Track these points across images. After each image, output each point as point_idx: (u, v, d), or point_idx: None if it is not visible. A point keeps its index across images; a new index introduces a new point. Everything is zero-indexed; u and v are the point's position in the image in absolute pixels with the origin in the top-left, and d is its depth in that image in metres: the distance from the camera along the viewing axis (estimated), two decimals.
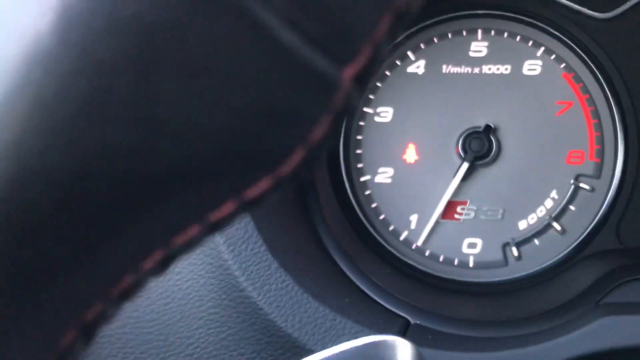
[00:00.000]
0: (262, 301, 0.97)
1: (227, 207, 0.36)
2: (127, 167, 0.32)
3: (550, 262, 1.21)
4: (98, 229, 0.33)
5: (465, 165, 1.21)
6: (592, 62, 1.21)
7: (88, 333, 0.37)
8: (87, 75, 0.31)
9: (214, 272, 0.99)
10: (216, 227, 0.37)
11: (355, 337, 0.76)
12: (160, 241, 0.35)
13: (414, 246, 1.24)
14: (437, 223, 1.24)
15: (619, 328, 0.93)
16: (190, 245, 0.37)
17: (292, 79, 0.33)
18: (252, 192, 0.36)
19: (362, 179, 1.26)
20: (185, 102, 0.31)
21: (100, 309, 0.36)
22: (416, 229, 1.24)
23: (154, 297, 1.01)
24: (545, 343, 0.94)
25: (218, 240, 0.99)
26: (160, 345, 1.00)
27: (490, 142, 1.21)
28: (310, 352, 0.93)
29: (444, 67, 1.24)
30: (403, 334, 1.00)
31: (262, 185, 0.36)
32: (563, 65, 1.22)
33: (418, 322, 1.05)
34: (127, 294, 0.37)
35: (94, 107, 0.31)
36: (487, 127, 1.21)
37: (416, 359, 0.59)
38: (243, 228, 0.99)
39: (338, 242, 1.15)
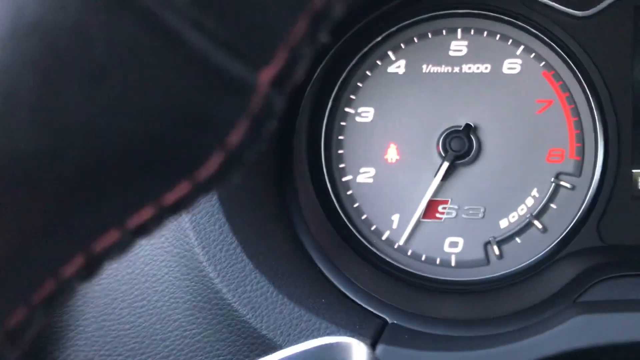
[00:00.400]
0: (237, 303, 0.98)
1: (146, 213, 0.36)
2: (34, 173, 0.32)
3: (532, 260, 1.21)
4: (7, 235, 0.33)
5: (446, 165, 1.21)
6: (572, 60, 1.20)
7: (14, 341, 0.37)
8: None
9: (189, 274, 1.00)
10: (138, 233, 0.37)
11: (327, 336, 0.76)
12: (79, 246, 0.35)
13: (396, 246, 1.24)
14: (418, 222, 1.24)
15: (593, 326, 0.93)
16: (113, 250, 0.37)
17: (202, 83, 0.33)
18: (171, 197, 0.36)
19: (344, 179, 1.26)
20: (91, 107, 0.32)
21: (22, 316, 0.36)
22: (398, 228, 1.24)
23: (130, 299, 1.01)
24: (519, 342, 0.94)
25: (193, 242, 0.99)
26: (137, 348, 1.00)
27: (471, 141, 1.21)
28: None
29: (424, 66, 1.24)
30: (380, 334, 1.00)
31: (181, 190, 0.36)
32: (542, 63, 1.22)
33: (396, 322, 1.05)
34: (52, 300, 0.37)
35: None
36: (467, 126, 1.21)
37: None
38: (218, 229, 0.99)
39: (317, 243, 1.15)
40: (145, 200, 0.35)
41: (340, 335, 0.96)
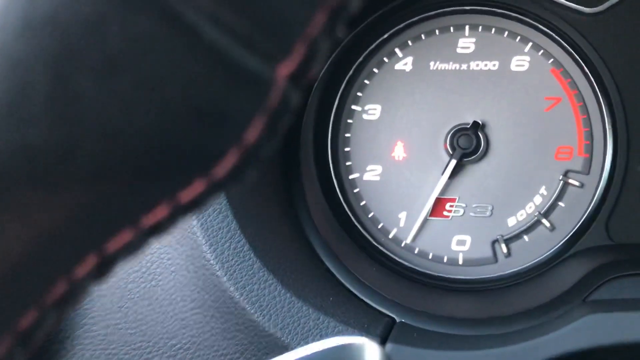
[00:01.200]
0: (245, 301, 0.97)
1: (161, 211, 0.35)
2: (48, 170, 0.31)
3: (540, 258, 1.21)
4: (21, 234, 0.32)
5: (453, 162, 1.20)
6: (580, 58, 1.20)
7: (25, 343, 0.37)
8: (3, 76, 0.30)
9: (197, 272, 0.99)
10: (152, 232, 0.36)
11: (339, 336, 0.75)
12: (91, 247, 0.35)
13: (403, 244, 1.23)
14: (426, 220, 1.23)
15: (604, 326, 0.92)
16: (127, 251, 0.36)
17: (220, 78, 0.33)
18: (187, 195, 0.35)
19: (351, 176, 1.25)
20: (106, 102, 0.31)
21: (34, 318, 0.36)
22: (405, 226, 1.23)
23: (136, 298, 1.01)
24: (530, 341, 0.93)
25: (200, 240, 0.99)
26: (144, 347, 1.00)
27: (479, 138, 1.21)
28: None
29: (432, 63, 1.23)
30: (388, 332, 1.00)
31: (197, 188, 0.35)
32: (551, 60, 1.21)
33: (404, 320, 1.04)
34: (65, 301, 0.37)
35: (10, 109, 0.30)
36: (475, 123, 1.20)
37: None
38: (226, 227, 0.99)
39: (325, 241, 1.14)
40: (160, 198, 0.35)
41: (348, 334, 0.96)
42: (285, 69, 0.34)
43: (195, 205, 0.36)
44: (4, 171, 0.31)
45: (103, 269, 0.36)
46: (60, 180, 0.32)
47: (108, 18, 0.30)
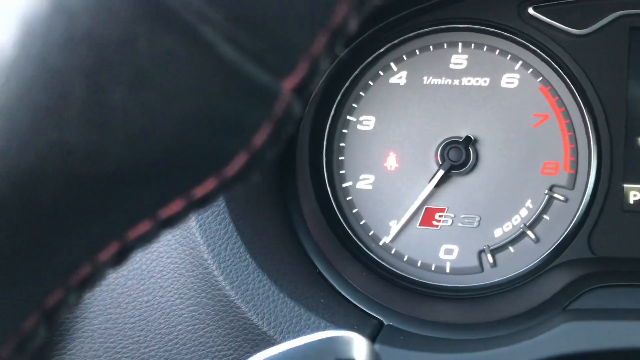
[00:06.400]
0: (240, 300, 1.01)
1: (176, 205, 0.40)
2: (81, 167, 0.36)
3: (524, 269, 1.25)
4: (54, 223, 0.37)
5: (441, 172, 1.25)
6: (568, 77, 1.24)
7: (49, 319, 0.41)
8: (45, 84, 0.35)
9: (194, 270, 1.03)
10: (168, 223, 0.41)
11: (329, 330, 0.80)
12: (115, 235, 0.39)
13: (392, 251, 1.28)
14: (415, 229, 1.27)
15: (581, 333, 0.97)
16: (144, 239, 0.41)
17: (233, 90, 0.37)
18: (200, 191, 0.40)
19: (344, 185, 1.29)
20: (134, 109, 0.35)
21: (60, 297, 0.40)
22: (395, 234, 1.28)
23: (135, 294, 1.05)
24: (509, 346, 0.97)
25: (199, 241, 1.03)
26: (141, 341, 1.04)
27: (468, 151, 1.25)
28: None
29: (425, 78, 1.28)
30: (376, 334, 1.04)
31: (209, 185, 0.40)
32: (540, 79, 1.26)
33: (392, 323, 1.08)
34: (87, 283, 0.41)
35: (50, 112, 0.35)
36: (467, 138, 1.25)
37: (371, 355, 0.63)
38: (223, 229, 1.03)
39: (318, 246, 1.18)
40: (177, 194, 0.39)
41: None
42: (289, 83, 0.39)
43: (206, 200, 0.41)
44: (40, 169, 0.36)
45: (122, 255, 0.41)
46: (90, 177, 0.36)
47: (138, 36, 0.35)
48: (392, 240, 1.28)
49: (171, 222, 0.41)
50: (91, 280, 0.41)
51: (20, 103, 0.35)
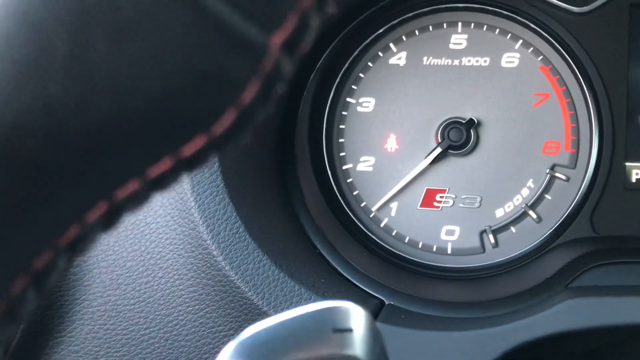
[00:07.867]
0: (240, 280, 1.01)
1: (165, 164, 0.39)
2: (64, 122, 0.35)
3: (526, 249, 1.25)
4: (38, 180, 0.36)
5: (438, 150, 1.24)
6: (569, 55, 1.24)
7: (39, 283, 0.40)
8: (26, 38, 0.34)
9: (194, 251, 1.03)
10: (157, 183, 0.40)
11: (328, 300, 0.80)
12: (102, 194, 0.39)
13: (393, 232, 1.27)
14: (416, 210, 1.27)
15: (584, 310, 0.96)
16: (133, 200, 0.40)
17: (219, 43, 0.37)
18: (188, 149, 0.39)
19: (344, 167, 1.29)
20: (117, 62, 0.35)
21: (49, 259, 0.40)
22: (396, 216, 1.27)
23: (134, 275, 1.05)
24: (511, 323, 0.97)
25: (197, 221, 1.02)
26: (141, 322, 1.04)
27: (469, 133, 1.24)
28: None
29: (425, 58, 1.27)
30: (377, 313, 1.04)
31: (197, 143, 0.39)
32: (540, 58, 1.25)
33: (392, 302, 1.08)
34: (76, 245, 0.41)
35: (33, 67, 0.34)
36: (471, 120, 1.24)
37: (368, 324, 0.63)
38: (222, 209, 1.02)
39: (318, 227, 1.18)
40: (164, 152, 0.39)
41: None
42: (278, 38, 0.38)
43: (195, 160, 0.40)
44: (23, 123, 0.35)
45: (111, 217, 0.40)
46: (74, 131, 0.36)
47: None
48: (393, 222, 1.27)
49: (160, 182, 0.40)
50: (81, 242, 0.41)
51: (1, 58, 0.34)
